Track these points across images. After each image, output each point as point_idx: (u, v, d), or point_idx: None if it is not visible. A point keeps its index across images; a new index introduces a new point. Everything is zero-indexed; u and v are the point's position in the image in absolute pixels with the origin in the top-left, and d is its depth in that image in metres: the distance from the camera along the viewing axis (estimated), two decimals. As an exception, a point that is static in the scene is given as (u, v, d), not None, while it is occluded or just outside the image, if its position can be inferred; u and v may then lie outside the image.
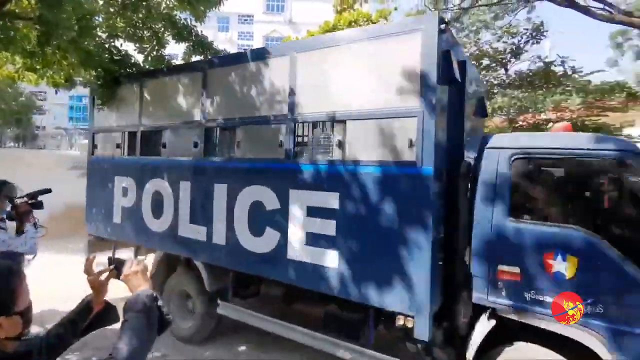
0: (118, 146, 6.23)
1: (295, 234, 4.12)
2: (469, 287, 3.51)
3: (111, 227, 6.17)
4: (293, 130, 4.21)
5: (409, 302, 3.45)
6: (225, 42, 30.88)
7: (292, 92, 4.22)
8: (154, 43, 6.59)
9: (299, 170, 4.13)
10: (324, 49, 4.05)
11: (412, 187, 3.46)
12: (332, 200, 3.89)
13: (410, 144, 3.53)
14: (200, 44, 6.85)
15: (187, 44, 6.86)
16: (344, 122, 3.94)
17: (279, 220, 4.24)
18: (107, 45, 6.22)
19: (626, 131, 11.02)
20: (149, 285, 1.54)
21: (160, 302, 1.49)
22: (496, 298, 3.27)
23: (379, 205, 3.63)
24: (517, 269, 3.17)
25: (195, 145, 5.07)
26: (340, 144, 3.96)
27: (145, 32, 6.53)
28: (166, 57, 6.78)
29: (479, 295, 3.38)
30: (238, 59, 4.70)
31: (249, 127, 4.66)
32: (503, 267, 3.24)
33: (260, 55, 4.53)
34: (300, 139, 4.35)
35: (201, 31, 6.91)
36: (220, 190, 4.74)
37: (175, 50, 7.25)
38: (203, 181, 4.94)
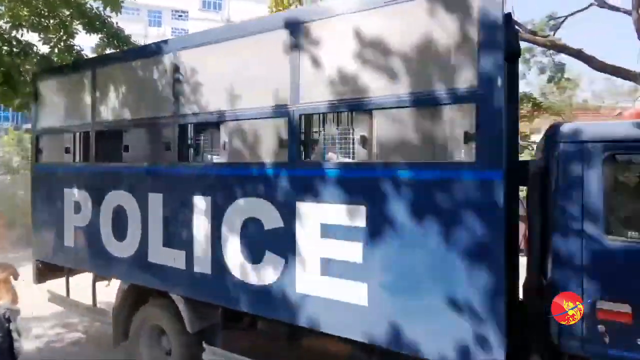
0: (67, 150, 5.04)
1: (306, 260, 3.15)
2: (545, 329, 2.65)
3: (62, 252, 4.98)
4: (298, 124, 3.21)
5: (471, 355, 2.55)
6: (157, 37, 29.33)
7: (295, 76, 3.22)
8: (61, 33, 5.98)
9: (309, 177, 3.15)
10: (339, 16, 3.08)
11: (473, 198, 2.55)
12: (356, 215, 2.93)
13: (467, 139, 2.62)
14: (115, 37, 6.29)
15: (99, 36, 6.32)
16: (369, 112, 3.00)
17: (284, 242, 3.25)
18: (6, 36, 5.49)
19: (533, 137, 12.23)
20: (9, 298, 1.37)
21: (12, 325, 1.20)
22: (597, 347, 2.42)
23: (424, 223, 2.71)
24: (626, 307, 2.33)
25: (168, 147, 3.99)
26: (365, 142, 3.01)
27: (51, 21, 5.92)
28: (75, 47, 6.18)
29: (568, 342, 2.52)
30: (222, 34, 3.65)
31: (238, 122, 3.63)
32: (606, 305, 2.38)
33: (253, 28, 3.49)
34: (308, 137, 3.36)
35: (117, 22, 6.39)
36: (202, 204, 3.69)
37: (90, 43, 6.70)
38: (179, 193, 3.87)
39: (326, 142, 3.36)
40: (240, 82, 3.53)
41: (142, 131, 4.38)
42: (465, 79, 2.60)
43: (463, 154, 2.67)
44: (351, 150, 3.19)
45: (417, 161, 2.79)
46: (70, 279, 5.34)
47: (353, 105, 3.00)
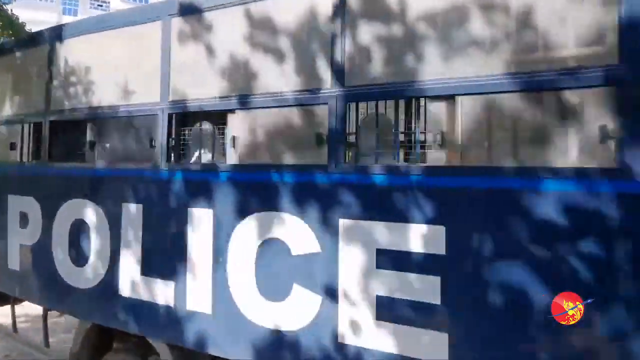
0: (12, 147, 3.94)
1: (354, 299, 2.30)
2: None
3: (6, 276, 3.87)
4: (343, 115, 2.38)
5: None
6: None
7: (337, 48, 2.40)
8: None
9: (361, 186, 2.32)
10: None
11: (613, 218, 1.81)
12: (431, 239, 2.13)
13: (607, 137, 1.89)
14: (10, 24, 5.89)
15: None
16: (450, 98, 2.22)
17: (320, 273, 2.39)
18: None
19: None
20: None
21: None
22: None
23: (534, 252, 1.94)
24: None
25: (152, 143, 3.04)
26: (443, 139, 2.22)
27: None
28: None
29: None
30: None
31: (254, 112, 2.75)
32: None
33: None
34: (357, 131, 2.53)
35: (11, 10, 6.09)
36: (201, 220, 2.76)
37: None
38: (167, 204, 2.92)
39: (379, 140, 2.53)
40: (258, 59, 2.66)
41: (115, 122, 3.38)
42: (600, 52, 1.88)
43: (594, 157, 1.94)
44: (419, 150, 2.39)
45: (523, 166, 2.02)
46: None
47: (428, 90, 2.20)
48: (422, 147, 2.33)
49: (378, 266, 2.25)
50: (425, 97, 2.29)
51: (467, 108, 2.16)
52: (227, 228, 2.66)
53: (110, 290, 3.12)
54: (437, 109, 2.30)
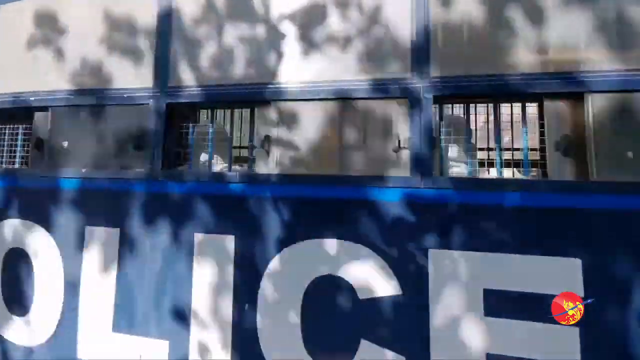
0: None
1: (452, 358, 1.70)
2: None
3: None
4: (427, 111, 1.82)
5: None
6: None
7: (421, 33, 1.86)
8: None
9: (458, 206, 1.75)
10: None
11: None
12: (560, 275, 1.62)
13: None
14: None
15: None
16: (575, 95, 1.75)
17: (402, 323, 1.76)
18: None
19: None
20: None
21: None
22: None
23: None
24: None
25: (139, 144, 2.22)
26: (569, 145, 1.74)
27: None
28: None
29: None
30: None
31: (289, 104, 2.08)
32: None
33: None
34: (451, 133, 1.97)
35: None
36: (215, 250, 1.99)
37: None
38: (159, 230, 2.10)
39: (465, 143, 1.99)
40: (323, 39, 2.03)
41: (84, 113, 2.48)
42: None
43: None
44: (527, 159, 1.89)
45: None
46: None
47: (547, 83, 1.72)
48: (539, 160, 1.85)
49: (487, 313, 1.68)
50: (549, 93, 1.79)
51: (599, 107, 1.71)
52: (257, 262, 1.93)
53: (64, 351, 2.18)
54: (557, 108, 1.83)
